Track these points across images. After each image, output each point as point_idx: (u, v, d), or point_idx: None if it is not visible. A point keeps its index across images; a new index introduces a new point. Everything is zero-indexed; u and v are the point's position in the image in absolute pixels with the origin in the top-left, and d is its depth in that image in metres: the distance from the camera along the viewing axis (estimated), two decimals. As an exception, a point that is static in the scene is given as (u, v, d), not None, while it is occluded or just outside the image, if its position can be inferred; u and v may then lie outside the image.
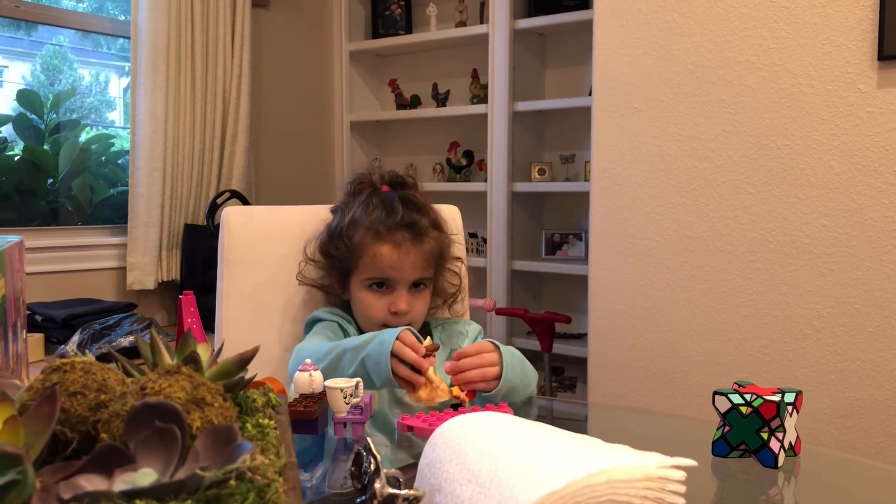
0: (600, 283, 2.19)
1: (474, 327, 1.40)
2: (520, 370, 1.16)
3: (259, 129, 3.35)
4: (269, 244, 1.41)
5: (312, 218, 1.40)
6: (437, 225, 1.33)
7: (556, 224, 3.25)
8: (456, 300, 1.40)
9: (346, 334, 1.30)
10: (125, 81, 3.15)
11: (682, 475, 0.46)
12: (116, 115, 3.27)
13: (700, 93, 1.99)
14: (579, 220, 3.15)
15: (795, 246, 1.87)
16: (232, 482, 0.38)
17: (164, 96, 2.87)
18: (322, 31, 3.64)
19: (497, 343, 1.14)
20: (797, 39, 1.85)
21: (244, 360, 0.54)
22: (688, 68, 2.00)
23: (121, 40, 3.16)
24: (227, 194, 3.00)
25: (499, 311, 2.96)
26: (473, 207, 3.32)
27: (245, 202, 3.06)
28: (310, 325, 1.33)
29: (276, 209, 1.47)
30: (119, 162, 3.19)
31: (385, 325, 1.26)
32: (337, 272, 1.33)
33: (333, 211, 1.38)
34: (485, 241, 3.23)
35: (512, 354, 1.15)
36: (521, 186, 3.08)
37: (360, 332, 1.32)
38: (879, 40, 1.74)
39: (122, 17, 3.12)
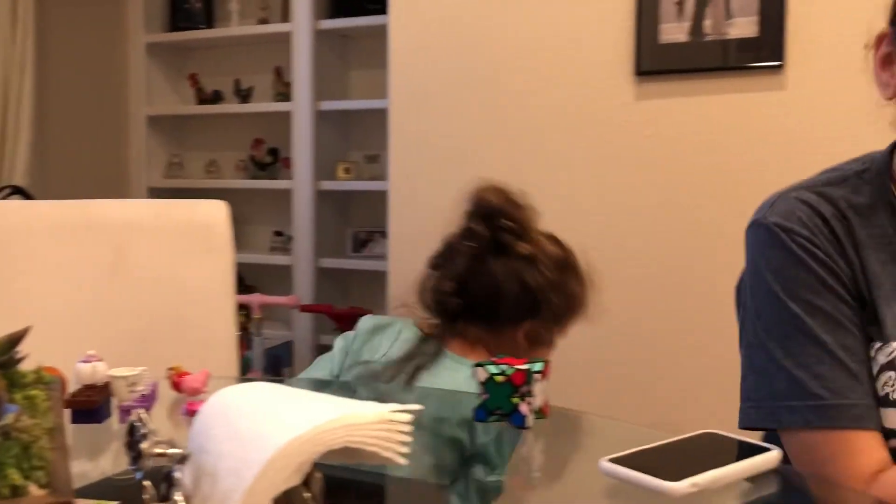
0: (400, 277, 2.30)
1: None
2: None
3: (47, 123, 3.15)
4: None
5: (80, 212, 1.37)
6: None
7: (362, 222, 3.33)
8: None
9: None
10: None
11: (409, 417, 0.55)
12: None
13: (489, 97, 2.15)
14: (384, 218, 3.24)
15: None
16: (-4, 440, 0.42)
17: (-67, 83, 2.64)
18: (117, 22, 3.49)
19: None
20: (566, 54, 2.05)
21: (14, 339, 0.56)
22: (478, 74, 2.15)
23: None
24: (7, 190, 2.81)
25: (303, 308, 3.00)
26: (279, 205, 3.33)
27: (29, 198, 2.88)
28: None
29: (33, 203, 1.43)
30: None
31: None
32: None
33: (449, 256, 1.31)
34: (290, 238, 3.25)
35: None
36: (327, 185, 3.14)
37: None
38: (636, 58, 1.98)
39: None
